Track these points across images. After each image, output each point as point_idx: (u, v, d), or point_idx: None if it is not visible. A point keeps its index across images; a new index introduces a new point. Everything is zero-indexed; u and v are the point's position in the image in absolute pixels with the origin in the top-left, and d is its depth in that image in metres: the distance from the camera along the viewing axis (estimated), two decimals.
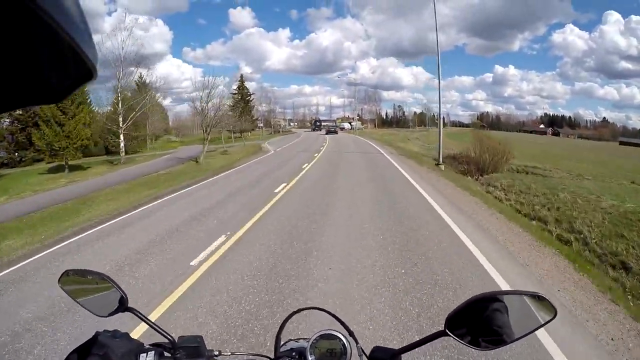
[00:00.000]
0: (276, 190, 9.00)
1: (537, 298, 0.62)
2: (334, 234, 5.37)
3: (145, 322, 0.81)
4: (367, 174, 11.51)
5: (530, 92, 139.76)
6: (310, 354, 0.79)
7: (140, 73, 28.51)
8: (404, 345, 0.74)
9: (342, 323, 0.85)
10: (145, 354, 0.74)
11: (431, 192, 8.47)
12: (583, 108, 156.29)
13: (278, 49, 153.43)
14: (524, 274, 3.95)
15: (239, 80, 57.75)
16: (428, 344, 0.70)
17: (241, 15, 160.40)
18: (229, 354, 0.83)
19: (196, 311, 3.29)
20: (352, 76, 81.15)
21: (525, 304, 0.63)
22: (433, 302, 3.26)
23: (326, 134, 43.89)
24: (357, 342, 0.80)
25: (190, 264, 4.47)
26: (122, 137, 25.27)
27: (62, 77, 0.24)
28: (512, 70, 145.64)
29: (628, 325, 2.97)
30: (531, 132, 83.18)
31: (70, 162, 22.40)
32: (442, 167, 14.09)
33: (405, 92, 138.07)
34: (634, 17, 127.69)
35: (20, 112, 27.00)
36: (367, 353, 0.78)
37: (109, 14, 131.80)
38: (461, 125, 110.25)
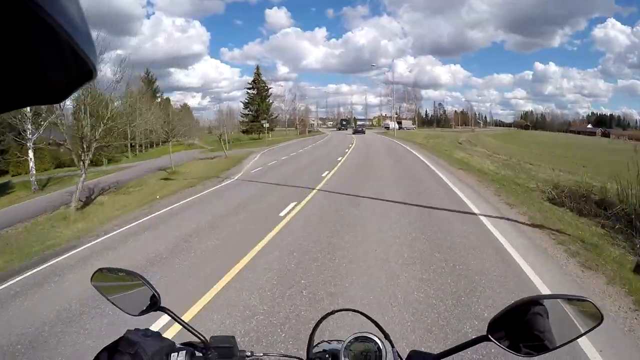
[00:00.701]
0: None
1: (581, 301, 0.60)
2: None
3: (177, 321, 0.79)
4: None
5: (571, 90, 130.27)
6: (344, 357, 0.75)
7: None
8: (443, 350, 0.71)
9: (378, 325, 0.82)
10: (176, 354, 0.72)
11: None
12: (626, 106, 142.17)
13: (315, 48, 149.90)
14: None
15: (255, 73, 49.14)
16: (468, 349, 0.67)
17: (277, 16, 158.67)
18: (261, 354, 0.81)
19: None
20: (388, 74, 77.29)
21: (567, 308, 0.61)
22: None
23: (353, 133, 43.73)
24: (392, 346, 0.77)
25: None
26: (30, 152, 17.63)
27: (62, 77, 0.24)
28: (552, 67, 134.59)
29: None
30: (578, 132, 75.88)
31: None
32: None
33: (443, 90, 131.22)
34: None
35: None
36: (404, 357, 0.75)
37: (147, 16, 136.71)
38: (502, 124, 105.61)
